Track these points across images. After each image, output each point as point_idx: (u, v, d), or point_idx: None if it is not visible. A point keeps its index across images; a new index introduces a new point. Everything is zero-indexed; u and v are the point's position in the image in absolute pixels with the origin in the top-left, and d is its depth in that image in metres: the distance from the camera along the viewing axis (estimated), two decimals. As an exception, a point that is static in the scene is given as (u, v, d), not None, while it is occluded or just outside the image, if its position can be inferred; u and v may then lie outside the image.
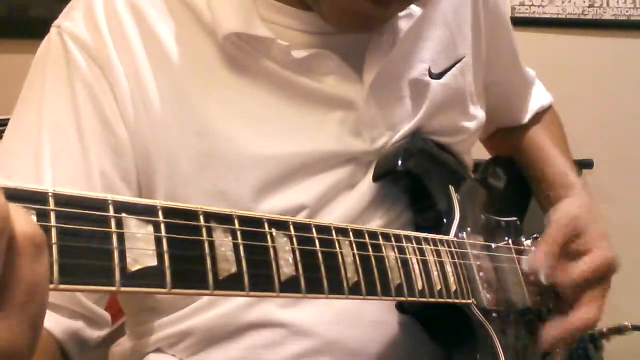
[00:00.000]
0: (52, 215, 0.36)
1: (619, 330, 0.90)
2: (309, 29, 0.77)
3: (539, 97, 1.12)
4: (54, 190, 0.37)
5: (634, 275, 2.14)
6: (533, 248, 0.85)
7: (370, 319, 0.79)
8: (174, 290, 0.41)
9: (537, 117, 1.11)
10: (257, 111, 0.76)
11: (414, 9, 0.80)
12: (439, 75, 0.85)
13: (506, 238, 0.87)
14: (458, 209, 0.83)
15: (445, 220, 0.81)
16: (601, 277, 0.83)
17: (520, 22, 2.26)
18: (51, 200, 0.36)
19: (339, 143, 0.78)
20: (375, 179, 0.79)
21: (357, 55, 0.79)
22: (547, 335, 0.81)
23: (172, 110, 0.74)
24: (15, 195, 0.35)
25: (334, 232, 0.56)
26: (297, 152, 0.76)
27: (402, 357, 0.80)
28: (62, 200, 0.36)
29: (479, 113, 0.94)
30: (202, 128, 0.74)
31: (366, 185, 0.80)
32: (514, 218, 0.93)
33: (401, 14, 0.79)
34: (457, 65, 0.87)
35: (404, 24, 0.80)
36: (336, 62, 0.78)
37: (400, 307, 0.78)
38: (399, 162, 0.78)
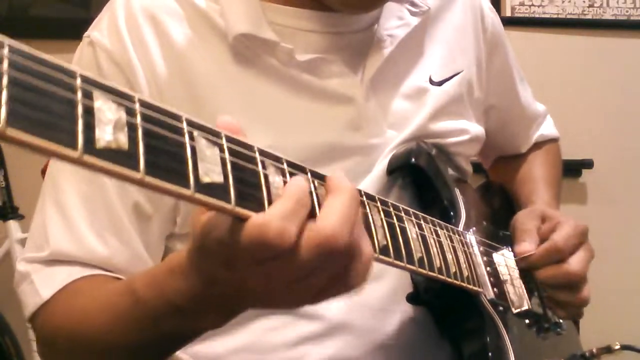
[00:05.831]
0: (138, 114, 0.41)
1: (609, 350, 0.91)
2: (316, 28, 0.82)
3: (543, 128, 1.14)
4: (139, 97, 0.42)
5: (625, 292, 2.14)
6: (522, 243, 0.87)
7: (378, 307, 0.80)
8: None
9: (536, 146, 1.14)
10: (263, 105, 0.80)
11: (411, 19, 0.87)
12: (439, 83, 0.90)
13: (506, 247, 0.89)
14: (464, 209, 0.86)
15: (452, 218, 0.84)
16: (580, 241, 0.86)
17: (520, 22, 2.26)
18: (137, 101, 0.42)
19: (340, 136, 0.81)
20: (390, 172, 0.83)
21: (359, 57, 0.84)
22: (541, 272, 0.84)
23: (185, 107, 0.76)
24: (109, 90, 0.40)
25: (364, 196, 0.59)
26: (301, 144, 0.78)
27: (408, 345, 0.82)
28: (146, 104, 0.43)
29: (478, 124, 0.97)
30: (212, 123, 0.76)
31: (371, 179, 0.83)
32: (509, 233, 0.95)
33: (398, 22, 0.86)
34: (456, 77, 0.92)
35: (401, 32, 0.86)
36: (338, 66, 0.82)
37: (411, 297, 0.80)
38: (412, 158, 0.83)
